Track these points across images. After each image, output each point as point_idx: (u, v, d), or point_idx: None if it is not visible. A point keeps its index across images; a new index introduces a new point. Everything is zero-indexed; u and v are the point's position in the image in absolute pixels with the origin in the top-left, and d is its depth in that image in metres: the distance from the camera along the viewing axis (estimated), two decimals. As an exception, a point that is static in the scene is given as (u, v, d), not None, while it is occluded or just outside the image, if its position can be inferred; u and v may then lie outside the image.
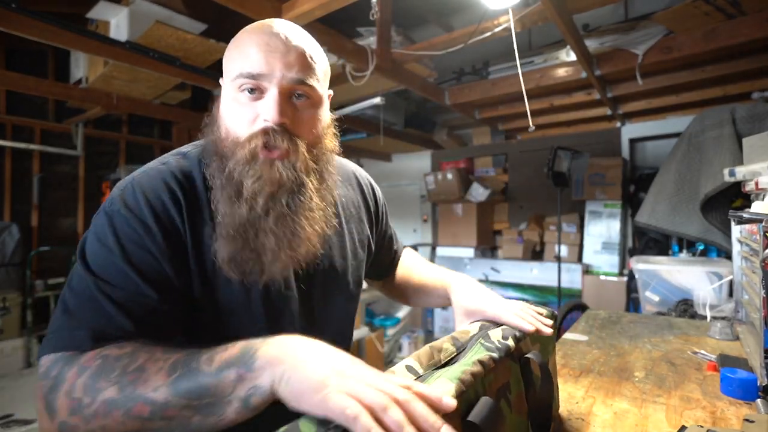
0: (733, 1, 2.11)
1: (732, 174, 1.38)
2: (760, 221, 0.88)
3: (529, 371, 0.59)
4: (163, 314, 0.53)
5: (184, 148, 0.65)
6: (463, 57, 3.16)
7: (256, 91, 0.58)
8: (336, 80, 2.88)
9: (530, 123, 1.42)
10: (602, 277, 3.31)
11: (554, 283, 3.23)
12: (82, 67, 2.92)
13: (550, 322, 0.68)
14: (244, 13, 1.94)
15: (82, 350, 0.47)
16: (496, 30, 2.23)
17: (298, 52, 0.59)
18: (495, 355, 0.52)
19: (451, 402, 0.39)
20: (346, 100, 3.38)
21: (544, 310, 0.73)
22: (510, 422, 0.53)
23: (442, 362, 0.49)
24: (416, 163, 5.00)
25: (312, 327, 0.68)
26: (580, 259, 3.51)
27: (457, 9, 3.21)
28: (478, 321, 0.67)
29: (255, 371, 0.40)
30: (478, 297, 0.71)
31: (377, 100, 2.72)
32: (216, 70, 2.96)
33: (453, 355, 0.51)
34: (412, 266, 0.95)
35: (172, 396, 0.41)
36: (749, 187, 1.27)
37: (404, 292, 0.95)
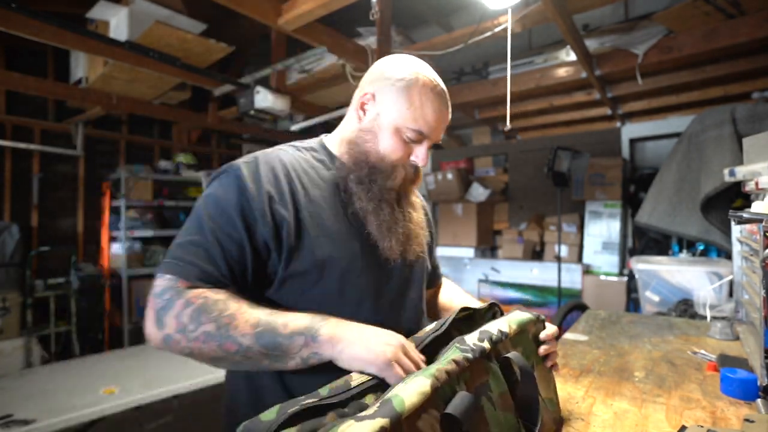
0: (733, 1, 2.11)
1: (732, 174, 1.38)
2: (760, 221, 0.89)
3: (511, 371, 0.62)
4: (253, 263, 0.67)
5: (300, 143, 0.84)
6: (463, 57, 3.16)
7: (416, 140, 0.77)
8: (336, 80, 2.88)
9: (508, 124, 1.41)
10: (602, 277, 3.31)
11: (554, 283, 3.23)
12: (82, 67, 2.92)
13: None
14: (244, 13, 1.94)
15: (188, 281, 0.62)
16: (496, 30, 2.23)
17: (447, 123, 0.81)
18: (469, 355, 0.56)
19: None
20: (346, 100, 3.38)
21: (530, 315, 0.75)
22: (495, 418, 0.55)
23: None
24: (416, 163, 5.00)
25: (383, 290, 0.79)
26: (580, 259, 3.51)
27: (457, 9, 3.22)
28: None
29: (318, 342, 0.58)
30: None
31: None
32: (216, 70, 2.96)
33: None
34: (454, 295, 1.03)
35: (254, 344, 0.58)
36: (749, 187, 1.27)
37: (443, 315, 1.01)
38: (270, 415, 0.43)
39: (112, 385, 1.81)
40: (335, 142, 0.83)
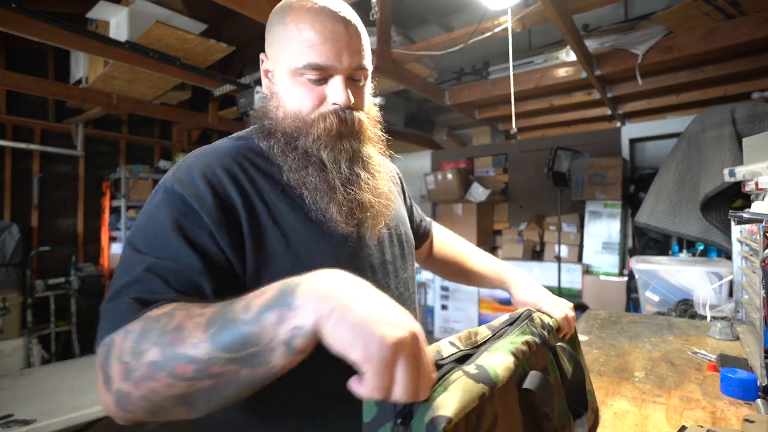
0: (733, 1, 2.11)
1: (732, 174, 1.38)
2: (760, 221, 0.89)
3: (559, 360, 0.64)
4: (208, 282, 0.51)
5: (237, 133, 0.69)
6: (463, 57, 3.16)
7: (321, 78, 0.62)
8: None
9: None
10: (602, 277, 3.31)
11: (554, 283, 3.23)
12: (82, 67, 2.91)
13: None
14: (244, 13, 1.94)
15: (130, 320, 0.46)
16: (496, 30, 2.23)
17: (358, 37, 0.62)
18: (537, 340, 0.58)
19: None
20: (346, 100, 3.38)
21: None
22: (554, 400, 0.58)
23: (479, 343, 0.53)
24: (416, 163, 5.00)
25: (386, 279, 0.71)
26: (580, 259, 3.51)
27: (457, 9, 3.22)
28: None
29: (295, 309, 0.36)
30: (534, 293, 0.82)
31: (377, 100, 2.72)
32: (216, 70, 2.96)
33: (488, 338, 0.55)
34: (462, 251, 1.00)
35: (213, 351, 0.38)
36: (749, 187, 1.27)
37: (451, 270, 1.01)
38: None
39: (112, 385, 1.81)
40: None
